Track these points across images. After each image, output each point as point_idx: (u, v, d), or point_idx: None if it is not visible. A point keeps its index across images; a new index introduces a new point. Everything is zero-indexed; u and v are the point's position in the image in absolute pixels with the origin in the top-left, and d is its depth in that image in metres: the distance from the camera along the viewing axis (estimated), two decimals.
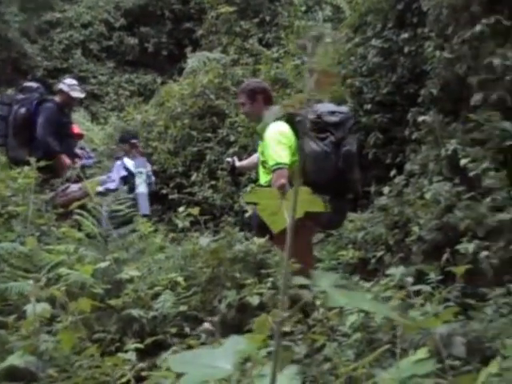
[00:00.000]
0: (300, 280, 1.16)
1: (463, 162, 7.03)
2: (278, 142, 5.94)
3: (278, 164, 5.88)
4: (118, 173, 9.12)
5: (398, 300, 3.90)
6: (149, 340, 4.58)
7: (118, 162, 9.31)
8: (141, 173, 8.96)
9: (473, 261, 5.88)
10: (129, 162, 9.15)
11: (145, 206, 8.50)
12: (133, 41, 21.95)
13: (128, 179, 8.90)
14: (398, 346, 2.63)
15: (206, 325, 4.19)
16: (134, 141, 9.46)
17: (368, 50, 10.53)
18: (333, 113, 6.21)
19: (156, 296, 5.36)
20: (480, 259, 6.02)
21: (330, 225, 6.62)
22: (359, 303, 1.19)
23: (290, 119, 6.05)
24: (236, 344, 1.33)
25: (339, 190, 6.17)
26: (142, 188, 8.81)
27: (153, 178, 9.52)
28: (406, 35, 9.99)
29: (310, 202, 1.35)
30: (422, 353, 2.74)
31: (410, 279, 3.72)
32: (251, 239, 5.93)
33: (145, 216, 7.70)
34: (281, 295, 1.16)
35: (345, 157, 6.11)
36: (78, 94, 9.81)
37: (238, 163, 6.99)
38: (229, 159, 7.16)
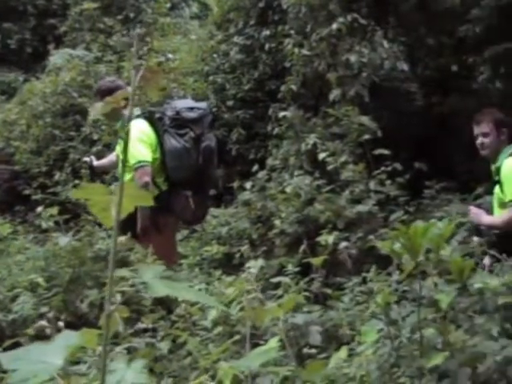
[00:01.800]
0: (122, 272, 1.18)
1: (322, 155, 7.24)
2: (139, 139, 5.93)
3: (139, 162, 5.88)
4: None
5: (255, 292, 3.97)
6: (8, 342, 4.48)
7: None
8: None
9: (333, 252, 6.05)
10: None
11: None
12: None
13: None
14: (247, 337, 2.70)
15: (42, 322, 4.13)
16: None
17: (230, 46, 10.66)
18: (191, 109, 6.26)
19: (16, 298, 5.25)
20: (339, 250, 6.20)
21: (192, 220, 6.66)
22: (180, 293, 1.23)
23: (149, 117, 6.08)
24: (68, 339, 1.34)
25: (200, 186, 6.22)
26: None
27: None
28: (267, 32, 10.15)
29: (138, 197, 1.38)
30: (273, 342, 2.82)
31: (254, 271, 3.79)
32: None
33: None
34: (107, 290, 1.18)
35: (204, 152, 6.17)
36: None
37: (95, 162, 6.83)
38: (86, 159, 7.00)
